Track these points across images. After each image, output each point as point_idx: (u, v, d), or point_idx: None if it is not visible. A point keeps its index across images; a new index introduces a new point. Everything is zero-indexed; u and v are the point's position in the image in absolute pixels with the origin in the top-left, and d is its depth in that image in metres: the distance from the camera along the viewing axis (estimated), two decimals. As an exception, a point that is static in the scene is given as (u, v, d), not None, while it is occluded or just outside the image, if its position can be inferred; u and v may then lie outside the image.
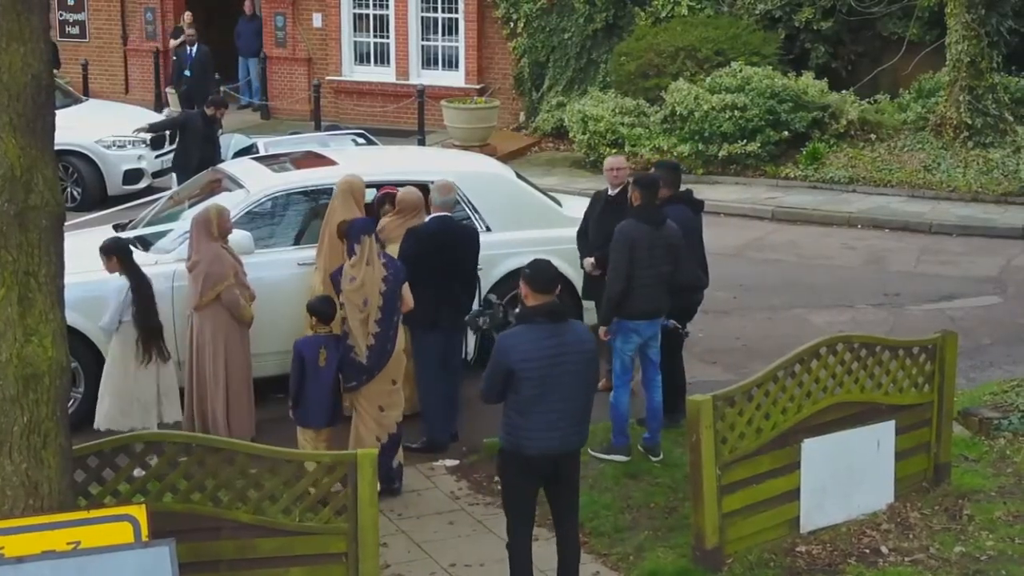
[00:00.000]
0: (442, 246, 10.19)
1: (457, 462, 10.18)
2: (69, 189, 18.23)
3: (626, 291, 9.76)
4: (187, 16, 24.32)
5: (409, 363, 10.64)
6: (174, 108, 23.05)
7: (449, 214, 10.45)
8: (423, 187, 10.88)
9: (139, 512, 6.26)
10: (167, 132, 19.26)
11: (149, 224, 11.97)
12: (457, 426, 10.64)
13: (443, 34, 24.31)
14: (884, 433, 9.05)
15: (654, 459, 10.07)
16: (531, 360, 7.27)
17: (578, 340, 7.48)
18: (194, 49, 22.22)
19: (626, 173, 11.04)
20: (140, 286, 9.66)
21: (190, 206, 11.86)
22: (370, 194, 11.52)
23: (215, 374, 9.96)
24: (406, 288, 9.65)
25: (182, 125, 17.06)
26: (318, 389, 9.42)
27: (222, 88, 23.07)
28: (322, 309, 9.56)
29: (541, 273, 7.51)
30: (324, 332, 9.51)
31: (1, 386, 5.98)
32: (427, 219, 10.35)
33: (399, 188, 11.08)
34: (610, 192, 11.07)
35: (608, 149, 20.26)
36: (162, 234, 11.52)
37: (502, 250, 11.72)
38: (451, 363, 10.48)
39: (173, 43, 24.32)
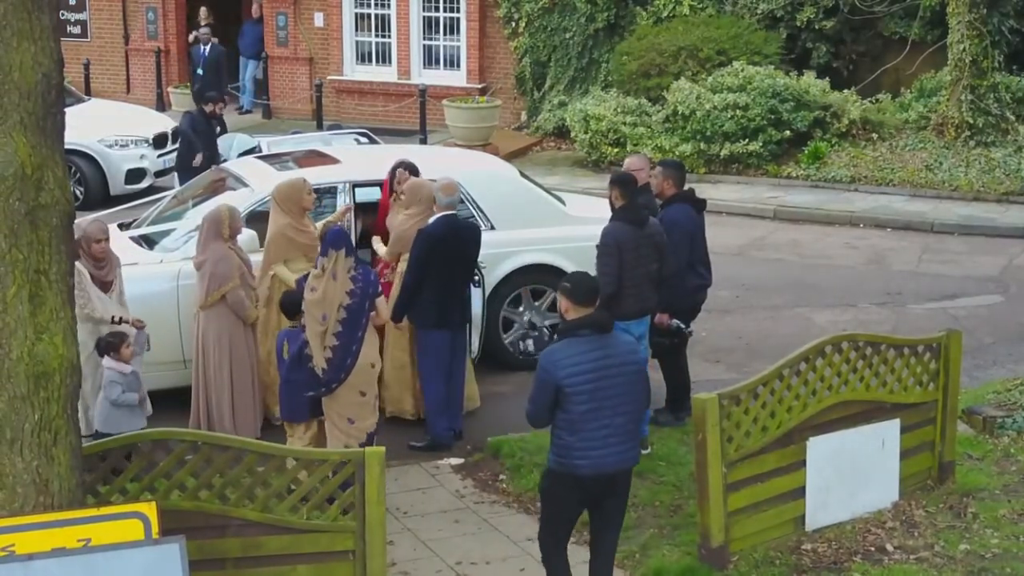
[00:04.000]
0: (450, 246, 10.21)
1: (462, 460, 10.20)
2: (72, 188, 18.21)
3: (617, 293, 9.76)
4: (203, 11, 24.31)
5: (414, 366, 10.68)
6: (177, 108, 23.08)
7: (454, 212, 10.47)
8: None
9: (149, 509, 6.26)
10: (169, 133, 19.32)
11: (153, 223, 11.99)
12: (461, 424, 10.66)
13: (445, 34, 24.33)
14: (889, 431, 9.06)
15: (643, 452, 10.05)
16: (579, 375, 6.98)
17: (626, 351, 7.21)
18: (207, 48, 22.20)
19: (645, 174, 10.88)
20: None
21: (194, 205, 11.89)
22: (374, 193, 11.55)
23: (220, 373, 9.99)
24: (381, 301, 9.52)
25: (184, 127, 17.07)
26: (280, 381, 9.52)
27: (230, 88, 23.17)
28: (284, 303, 9.69)
29: (581, 285, 7.24)
30: (290, 326, 9.58)
31: (12, 384, 5.98)
32: (432, 219, 10.36)
33: (408, 169, 11.06)
34: None
35: (610, 149, 20.31)
36: (166, 233, 11.54)
37: (506, 248, 11.76)
38: (456, 362, 10.50)
39: (192, 36, 24.34)
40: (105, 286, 9.65)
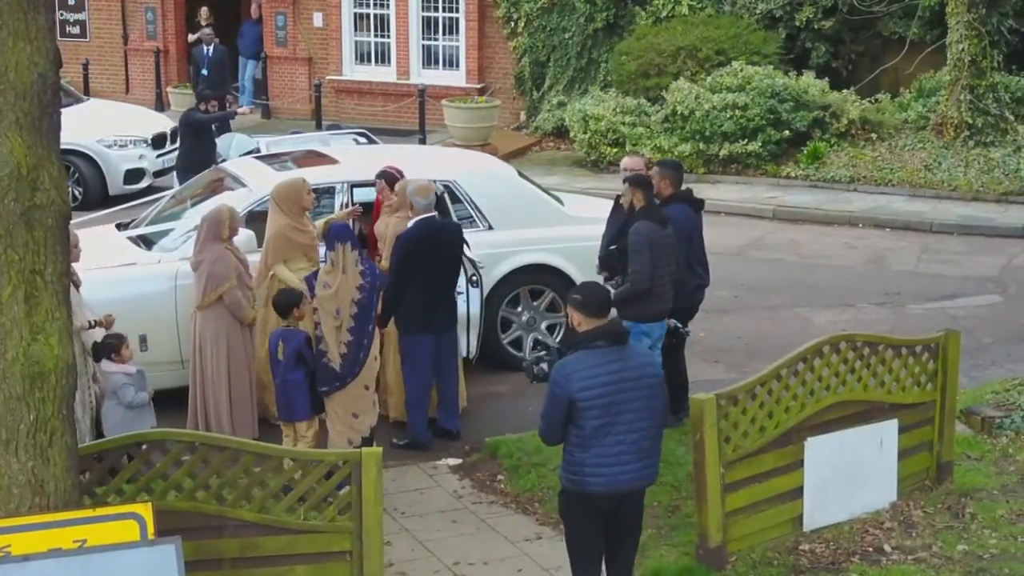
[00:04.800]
0: (429, 249, 10.16)
1: (460, 461, 10.19)
2: (71, 189, 18.20)
3: (648, 291, 9.72)
4: (204, 11, 24.29)
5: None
6: (176, 108, 23.08)
7: (432, 215, 10.38)
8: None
9: (145, 510, 6.25)
10: (168, 133, 19.33)
11: (152, 223, 11.99)
12: (459, 424, 10.65)
13: (444, 33, 24.32)
14: (887, 432, 9.05)
15: None
16: (593, 387, 6.73)
17: (642, 364, 6.95)
18: (211, 48, 22.22)
19: (644, 174, 10.87)
20: None
21: (192, 205, 11.88)
22: (372, 193, 11.51)
23: (217, 374, 9.97)
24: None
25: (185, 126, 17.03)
26: (277, 382, 9.47)
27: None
28: (280, 303, 9.62)
29: (592, 296, 6.99)
30: (284, 325, 9.56)
31: (8, 384, 5.97)
32: (410, 224, 10.31)
33: (387, 179, 10.97)
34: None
35: (609, 148, 20.29)
36: (165, 233, 11.53)
37: (504, 248, 11.75)
38: (446, 363, 10.47)
39: (191, 37, 24.33)
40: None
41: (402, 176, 10.88)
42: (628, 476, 6.86)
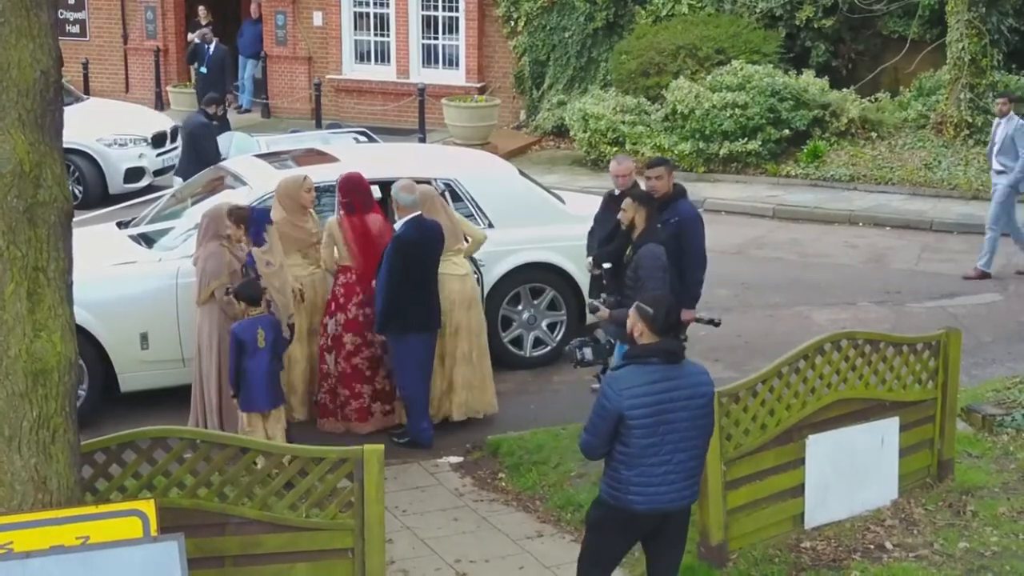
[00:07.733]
0: (424, 248, 10.18)
1: (461, 459, 10.19)
2: (71, 187, 18.16)
3: None
4: (201, 10, 24.28)
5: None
6: (176, 108, 23.07)
7: (419, 212, 10.30)
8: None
9: (148, 507, 6.25)
10: (168, 132, 19.32)
11: (152, 222, 11.99)
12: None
13: (444, 32, 24.34)
14: (888, 429, 9.06)
15: None
16: (643, 405, 6.53)
17: (695, 383, 6.72)
18: (211, 47, 22.22)
19: (631, 180, 10.82)
20: None
21: (193, 203, 11.89)
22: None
23: (207, 369, 9.94)
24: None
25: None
26: (258, 371, 9.44)
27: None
28: (250, 293, 9.59)
29: (665, 313, 6.72)
30: (257, 314, 9.54)
31: (10, 381, 5.97)
32: (401, 223, 10.25)
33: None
34: (616, 192, 10.93)
35: (609, 147, 20.30)
36: (165, 231, 11.54)
37: (505, 247, 11.75)
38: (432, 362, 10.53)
39: (191, 36, 24.32)
40: None
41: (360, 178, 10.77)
42: (671, 495, 6.68)
